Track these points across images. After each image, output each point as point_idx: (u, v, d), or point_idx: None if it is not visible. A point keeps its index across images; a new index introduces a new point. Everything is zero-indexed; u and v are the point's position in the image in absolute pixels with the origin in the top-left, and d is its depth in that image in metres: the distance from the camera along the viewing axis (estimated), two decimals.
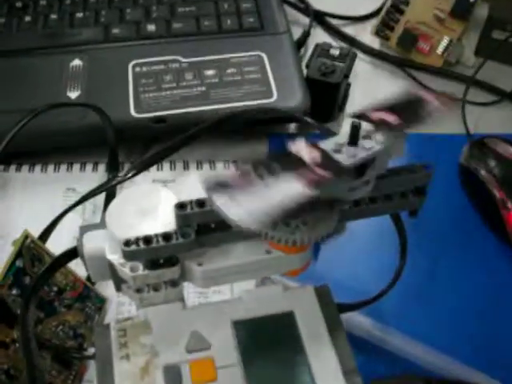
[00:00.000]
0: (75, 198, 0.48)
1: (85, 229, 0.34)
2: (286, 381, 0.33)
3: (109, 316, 0.43)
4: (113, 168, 0.50)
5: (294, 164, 0.27)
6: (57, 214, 0.46)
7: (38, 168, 0.52)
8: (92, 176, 0.51)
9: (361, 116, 0.29)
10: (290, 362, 0.33)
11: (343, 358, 0.33)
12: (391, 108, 0.29)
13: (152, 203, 0.33)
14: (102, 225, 0.34)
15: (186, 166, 0.52)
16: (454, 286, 0.47)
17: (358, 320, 0.43)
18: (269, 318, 0.35)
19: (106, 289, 0.43)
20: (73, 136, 0.51)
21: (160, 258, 0.32)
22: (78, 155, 0.53)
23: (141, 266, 0.32)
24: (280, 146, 0.28)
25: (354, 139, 0.28)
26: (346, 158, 0.28)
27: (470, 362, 0.42)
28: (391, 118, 0.28)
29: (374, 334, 0.43)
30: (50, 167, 0.52)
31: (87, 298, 0.42)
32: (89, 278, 0.41)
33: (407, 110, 0.29)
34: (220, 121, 0.49)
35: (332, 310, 0.36)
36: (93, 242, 0.33)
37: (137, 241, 0.31)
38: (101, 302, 0.43)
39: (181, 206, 0.30)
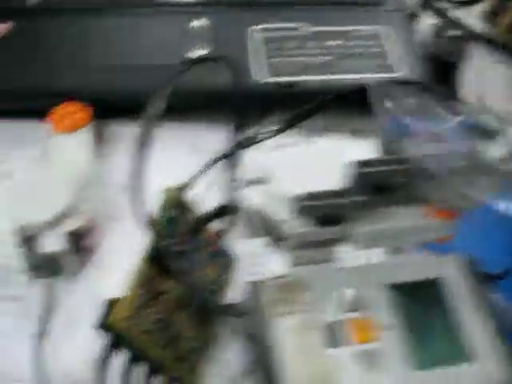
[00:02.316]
0: (200, 157, 0.49)
1: (240, 185, 0.35)
2: (445, 345, 0.33)
3: (240, 274, 0.44)
4: (241, 129, 0.50)
5: None
6: (182, 171, 0.47)
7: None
8: (217, 137, 0.51)
9: None
10: (442, 326, 0.34)
11: (489, 323, 0.34)
12: None
13: (317, 162, 0.33)
14: (259, 181, 0.34)
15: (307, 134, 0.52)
16: None
17: None
18: (419, 284, 0.35)
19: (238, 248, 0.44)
20: (204, 96, 0.52)
21: (326, 215, 0.32)
22: (203, 115, 0.53)
23: (303, 224, 0.33)
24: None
25: None
26: None
27: None
28: None
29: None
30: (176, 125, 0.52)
31: (221, 255, 0.42)
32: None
33: None
34: (353, 91, 0.48)
35: (477, 278, 0.36)
36: (252, 199, 0.34)
37: (308, 196, 0.31)
38: (233, 260, 0.43)
39: (364, 164, 0.30)
